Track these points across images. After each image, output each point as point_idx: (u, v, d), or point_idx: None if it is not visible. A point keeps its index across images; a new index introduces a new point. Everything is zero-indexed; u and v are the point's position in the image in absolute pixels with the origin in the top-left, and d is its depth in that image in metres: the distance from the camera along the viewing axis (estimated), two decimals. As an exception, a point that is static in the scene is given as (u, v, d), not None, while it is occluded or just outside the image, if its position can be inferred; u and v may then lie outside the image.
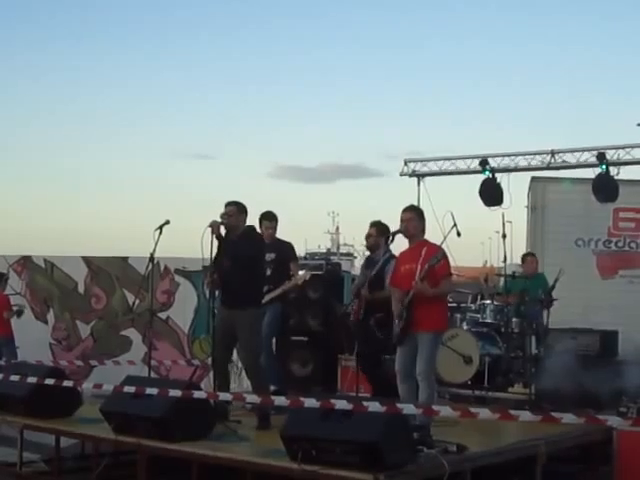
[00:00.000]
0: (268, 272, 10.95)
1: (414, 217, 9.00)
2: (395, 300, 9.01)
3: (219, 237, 9.45)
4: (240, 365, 10.65)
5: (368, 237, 10.89)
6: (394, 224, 9.18)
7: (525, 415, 7.42)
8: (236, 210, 9.59)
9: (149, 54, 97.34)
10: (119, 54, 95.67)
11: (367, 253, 11.30)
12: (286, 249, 11.32)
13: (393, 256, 10.41)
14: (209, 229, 9.34)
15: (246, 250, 9.47)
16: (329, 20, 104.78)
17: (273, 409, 9.25)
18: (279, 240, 11.27)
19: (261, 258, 9.96)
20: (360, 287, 10.50)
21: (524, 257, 13.22)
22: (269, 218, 11.16)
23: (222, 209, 9.58)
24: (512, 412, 7.47)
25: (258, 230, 10.41)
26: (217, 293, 9.89)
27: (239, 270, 9.41)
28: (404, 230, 8.92)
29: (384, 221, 10.86)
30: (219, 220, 9.47)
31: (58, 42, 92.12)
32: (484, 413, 7.46)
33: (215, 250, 9.45)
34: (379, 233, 10.77)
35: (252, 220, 10.08)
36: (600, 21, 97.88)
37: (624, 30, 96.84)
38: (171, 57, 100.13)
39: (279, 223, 11.31)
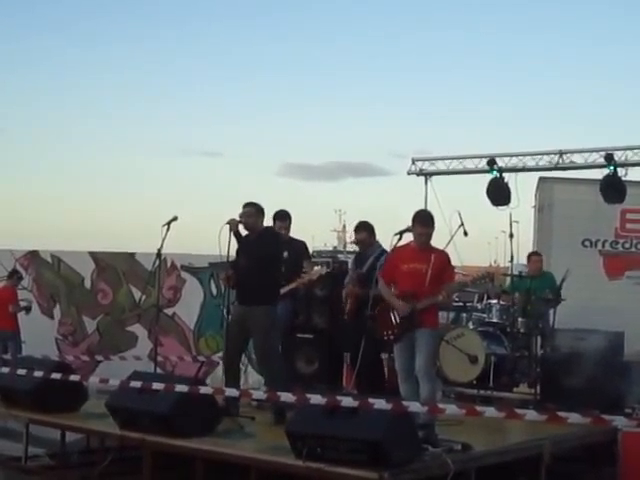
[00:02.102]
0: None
1: (430, 232, 8.95)
2: (387, 294, 8.96)
3: (237, 235, 9.51)
4: (246, 362, 10.69)
5: (362, 242, 10.96)
6: (400, 223, 9.16)
7: (531, 414, 7.43)
8: (255, 211, 9.72)
9: (157, 51, 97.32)
10: (126, 51, 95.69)
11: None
12: (299, 248, 11.34)
13: (385, 251, 10.44)
14: (227, 227, 9.41)
15: (265, 250, 9.59)
16: (336, 17, 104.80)
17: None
18: (292, 239, 11.28)
19: (280, 257, 10.04)
20: (351, 285, 10.58)
21: (529, 256, 13.25)
22: (282, 218, 11.16)
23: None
24: (518, 411, 7.48)
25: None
26: (224, 289, 9.94)
27: (257, 269, 9.54)
28: (419, 242, 8.90)
29: (367, 219, 11.05)
30: (237, 219, 9.53)
31: (62, 37, 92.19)
32: (490, 411, 7.46)
33: (232, 248, 9.53)
34: (371, 234, 10.87)
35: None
36: (609, 21, 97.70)
37: (634, 30, 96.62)
38: (178, 54, 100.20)
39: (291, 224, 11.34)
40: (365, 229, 11.00)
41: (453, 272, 9.19)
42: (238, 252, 9.69)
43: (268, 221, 10.75)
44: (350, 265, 11.65)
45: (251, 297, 9.61)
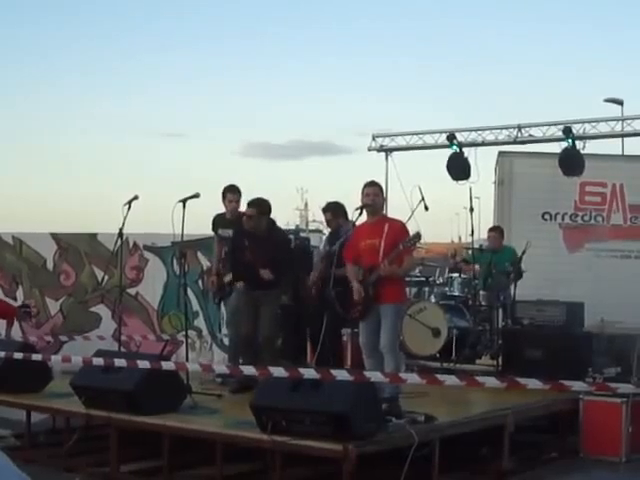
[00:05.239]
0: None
1: (379, 192, 9.01)
2: (352, 275, 8.91)
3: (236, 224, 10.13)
4: (210, 340, 10.72)
5: (328, 223, 11.03)
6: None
7: (491, 381, 7.53)
8: (257, 212, 10.00)
9: (116, 31, 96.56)
10: (87, 29, 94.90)
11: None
12: None
13: None
14: (180, 205, 9.54)
15: (278, 253, 9.99)
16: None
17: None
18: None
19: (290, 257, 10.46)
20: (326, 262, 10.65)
21: (488, 233, 13.38)
22: (233, 191, 11.01)
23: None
24: (478, 379, 7.58)
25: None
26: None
27: (267, 266, 9.90)
28: (372, 204, 8.87)
29: (333, 199, 11.10)
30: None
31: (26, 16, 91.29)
32: (451, 380, 7.55)
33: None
34: (335, 215, 10.88)
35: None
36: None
37: (589, 5, 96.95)
38: (138, 34, 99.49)
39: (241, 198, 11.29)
40: (329, 210, 11.01)
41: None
42: (237, 244, 9.86)
43: (218, 195, 10.87)
44: (323, 243, 11.67)
45: (262, 285, 9.98)
